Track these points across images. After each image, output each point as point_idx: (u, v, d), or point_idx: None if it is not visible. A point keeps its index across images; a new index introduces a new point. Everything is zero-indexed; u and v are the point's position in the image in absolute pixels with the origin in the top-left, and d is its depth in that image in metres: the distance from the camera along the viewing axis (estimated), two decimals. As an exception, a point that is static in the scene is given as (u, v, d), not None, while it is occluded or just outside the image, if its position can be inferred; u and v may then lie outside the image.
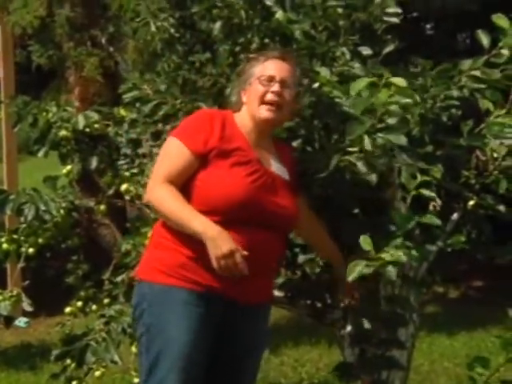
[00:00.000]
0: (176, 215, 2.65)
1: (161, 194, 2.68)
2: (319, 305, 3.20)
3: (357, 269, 2.56)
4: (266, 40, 2.97)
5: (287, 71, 2.79)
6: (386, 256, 2.57)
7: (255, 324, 2.82)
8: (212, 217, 2.64)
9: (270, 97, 2.75)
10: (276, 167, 2.82)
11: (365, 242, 2.59)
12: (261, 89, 2.77)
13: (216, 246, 2.57)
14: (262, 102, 2.76)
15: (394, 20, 3.09)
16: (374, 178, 2.77)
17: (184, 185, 2.71)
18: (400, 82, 2.72)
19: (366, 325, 2.97)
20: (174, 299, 2.66)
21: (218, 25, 3.00)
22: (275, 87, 2.76)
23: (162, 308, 2.66)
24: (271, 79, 2.76)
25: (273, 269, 2.85)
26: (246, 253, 2.59)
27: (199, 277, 2.65)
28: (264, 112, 2.76)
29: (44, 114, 3.72)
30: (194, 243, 2.63)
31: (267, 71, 2.78)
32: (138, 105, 3.44)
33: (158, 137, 3.37)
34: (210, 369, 2.72)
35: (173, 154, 2.73)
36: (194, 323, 2.64)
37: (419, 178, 2.83)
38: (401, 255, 2.58)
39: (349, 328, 3.07)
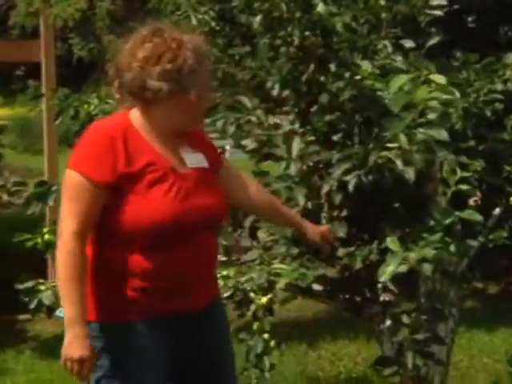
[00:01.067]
0: (62, 288, 2.46)
1: (65, 255, 2.45)
2: (358, 299, 3.19)
3: (389, 269, 2.55)
4: (307, 33, 2.96)
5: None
6: (414, 255, 2.55)
7: (215, 323, 2.71)
8: (140, 244, 2.49)
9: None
10: (191, 161, 2.62)
11: (392, 243, 2.58)
12: (205, 99, 2.58)
13: (70, 347, 2.42)
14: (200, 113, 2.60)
15: (438, 13, 3.06)
16: (411, 175, 2.73)
17: (101, 217, 2.50)
18: (439, 79, 2.70)
19: (405, 319, 2.95)
20: (125, 334, 2.54)
21: (258, 18, 3.00)
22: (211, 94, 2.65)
23: (117, 346, 2.53)
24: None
25: (212, 269, 2.72)
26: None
27: (146, 306, 2.52)
28: (199, 124, 2.63)
29: (85, 106, 3.76)
30: (139, 277, 2.51)
31: (210, 77, 2.59)
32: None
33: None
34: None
35: (77, 190, 2.48)
36: (152, 349, 2.54)
37: (459, 173, 2.81)
38: (429, 252, 2.55)
39: (388, 322, 3.06)
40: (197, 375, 2.66)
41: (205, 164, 2.65)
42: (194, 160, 2.62)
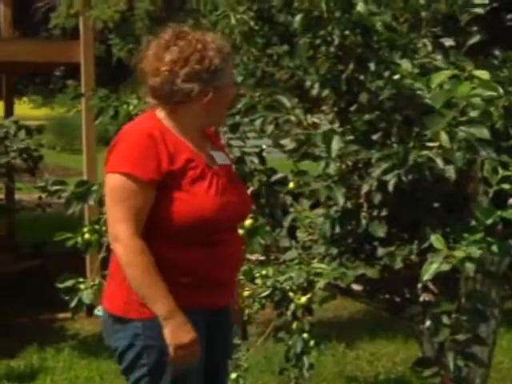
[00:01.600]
0: (144, 289, 2.51)
1: (132, 258, 2.50)
2: (398, 299, 3.17)
3: (432, 266, 2.53)
4: (347, 32, 2.94)
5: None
6: (459, 253, 2.53)
7: (230, 322, 2.79)
8: (182, 239, 2.56)
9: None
10: (219, 158, 2.70)
11: (437, 240, 2.56)
12: (230, 96, 2.66)
13: (177, 335, 2.49)
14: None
15: (480, 11, 3.03)
16: (452, 174, 2.71)
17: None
18: (483, 74, 2.66)
19: (446, 320, 2.93)
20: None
21: (298, 17, 2.99)
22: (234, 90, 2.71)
23: (161, 344, 2.53)
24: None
25: (239, 268, 2.82)
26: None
27: (180, 299, 2.53)
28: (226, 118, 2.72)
29: (125, 106, 3.78)
30: (180, 271, 2.56)
31: (233, 76, 2.66)
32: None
33: (237, 129, 3.38)
34: None
35: (128, 193, 2.52)
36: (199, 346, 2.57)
37: (501, 172, 2.78)
38: (474, 251, 2.53)
39: (428, 323, 3.04)
40: (201, 371, 2.69)
41: (228, 161, 2.76)
42: (221, 158, 2.72)
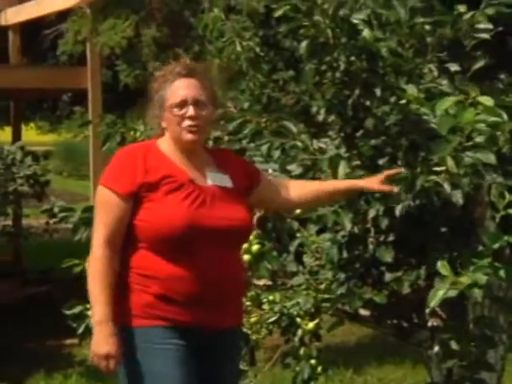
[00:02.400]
0: (90, 290, 2.65)
1: (93, 263, 2.66)
2: (405, 324, 3.16)
3: (439, 293, 2.52)
4: (352, 58, 2.96)
5: (198, 88, 2.72)
6: (465, 279, 2.53)
7: (228, 349, 2.78)
8: (160, 250, 2.66)
9: (187, 122, 2.70)
10: (213, 179, 2.76)
11: (443, 267, 2.55)
12: (176, 117, 2.72)
13: (97, 344, 2.60)
14: (182, 127, 2.72)
15: (485, 36, 3.04)
16: (459, 199, 2.71)
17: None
18: (487, 100, 2.67)
19: (454, 346, 2.91)
20: (152, 339, 2.66)
21: (304, 44, 3.00)
22: (190, 111, 2.70)
23: (144, 351, 2.65)
24: (183, 104, 2.70)
25: (239, 289, 2.80)
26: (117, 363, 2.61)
27: (168, 313, 2.65)
28: (186, 135, 2.72)
29: (131, 132, 3.80)
30: (157, 281, 2.65)
31: (177, 97, 2.71)
32: (222, 122, 3.47)
33: (243, 154, 3.39)
34: None
35: (105, 203, 2.71)
36: (178, 356, 2.65)
37: (508, 197, 2.77)
38: (480, 277, 2.52)
39: (436, 348, 3.03)
40: None
41: (228, 184, 2.79)
42: (217, 179, 2.78)
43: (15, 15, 9.12)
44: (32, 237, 8.39)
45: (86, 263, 2.72)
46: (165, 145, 2.78)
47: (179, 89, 2.72)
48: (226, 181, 2.79)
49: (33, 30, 10.06)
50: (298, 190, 2.90)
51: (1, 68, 9.18)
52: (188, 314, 2.66)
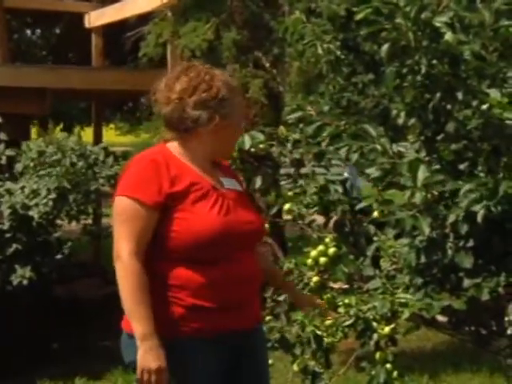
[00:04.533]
0: (129, 305, 2.60)
1: (127, 275, 2.60)
2: (484, 331, 3.11)
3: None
4: (434, 61, 2.93)
5: None
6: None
7: (259, 346, 2.88)
8: (191, 259, 2.65)
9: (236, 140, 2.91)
10: (228, 184, 2.83)
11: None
12: (236, 134, 2.85)
13: (146, 359, 2.55)
14: (234, 143, 2.88)
15: None
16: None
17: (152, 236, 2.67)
18: None
19: (534, 355, 2.86)
20: (183, 351, 2.65)
21: (385, 47, 2.99)
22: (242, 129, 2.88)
23: (175, 363, 2.61)
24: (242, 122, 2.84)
25: (258, 289, 2.86)
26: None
27: (201, 323, 2.65)
28: (234, 149, 2.92)
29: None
30: (189, 292, 2.65)
31: (242, 109, 2.82)
32: (301, 126, 3.47)
33: (321, 157, 3.39)
34: None
35: (132, 214, 2.65)
36: (211, 366, 2.68)
37: None
38: None
39: (515, 357, 2.97)
40: None
41: (239, 187, 2.89)
42: (231, 184, 2.85)
43: (98, 18, 9.32)
44: (111, 236, 8.54)
45: (119, 270, 2.64)
46: (178, 151, 2.78)
47: (241, 107, 2.83)
48: (236, 184, 2.88)
49: (115, 32, 10.26)
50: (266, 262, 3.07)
51: (83, 70, 9.39)
52: (221, 320, 2.68)
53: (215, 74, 2.78)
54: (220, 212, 2.70)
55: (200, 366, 2.67)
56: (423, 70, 2.95)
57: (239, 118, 2.83)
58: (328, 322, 3.17)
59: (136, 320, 2.59)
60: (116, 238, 2.70)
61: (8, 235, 6.49)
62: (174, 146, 2.81)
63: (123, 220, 2.67)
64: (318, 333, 3.13)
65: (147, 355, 2.55)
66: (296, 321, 3.17)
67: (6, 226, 6.45)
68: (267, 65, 6.96)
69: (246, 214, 2.79)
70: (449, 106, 3.00)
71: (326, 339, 3.21)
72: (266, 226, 3.55)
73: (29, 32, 16.31)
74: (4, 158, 6.90)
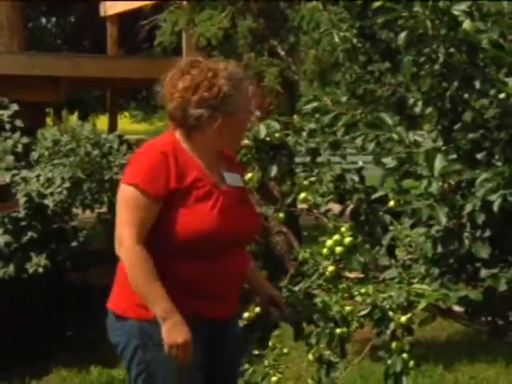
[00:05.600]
0: (144, 290, 2.68)
1: (135, 261, 2.70)
2: (500, 322, 3.09)
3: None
4: (452, 50, 2.90)
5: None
6: None
7: (235, 335, 2.99)
8: (184, 254, 2.73)
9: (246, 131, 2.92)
10: (229, 179, 2.89)
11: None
12: (247, 122, 2.89)
13: (172, 335, 2.64)
14: (243, 135, 2.93)
15: None
16: None
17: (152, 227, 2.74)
18: None
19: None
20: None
21: (402, 35, 2.96)
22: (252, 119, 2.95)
23: (156, 343, 2.71)
24: (252, 113, 2.91)
25: (241, 284, 2.98)
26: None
27: (179, 305, 2.70)
28: (242, 140, 2.94)
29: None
30: (179, 284, 2.73)
31: (251, 102, 2.84)
32: (317, 115, 3.46)
33: (337, 147, 3.38)
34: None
35: (138, 203, 2.72)
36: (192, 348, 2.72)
37: None
38: None
39: (532, 348, 2.96)
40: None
41: (240, 183, 2.95)
42: (233, 179, 2.91)
43: (113, 6, 9.32)
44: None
45: (125, 256, 2.74)
46: (184, 144, 2.83)
47: (251, 95, 2.84)
48: (238, 180, 2.95)
49: (130, 21, 10.26)
50: None
51: (98, 58, 9.40)
52: (205, 309, 2.79)
53: (219, 69, 2.80)
54: (219, 213, 2.77)
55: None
56: (441, 59, 2.92)
57: (246, 112, 2.87)
58: (348, 309, 3.17)
59: (153, 301, 2.66)
60: (119, 223, 2.78)
61: (23, 223, 6.52)
62: (180, 138, 2.87)
63: (128, 208, 2.74)
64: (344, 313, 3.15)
65: (173, 331, 2.64)
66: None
67: (21, 214, 6.48)
68: (283, 53, 6.93)
69: (243, 214, 2.87)
70: (466, 95, 2.98)
71: (340, 329, 3.21)
72: (281, 215, 3.56)
73: (44, 20, 16.34)
74: (20, 145, 6.92)
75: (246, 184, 3.05)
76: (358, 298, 3.12)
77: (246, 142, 3.63)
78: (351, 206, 3.36)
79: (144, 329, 2.76)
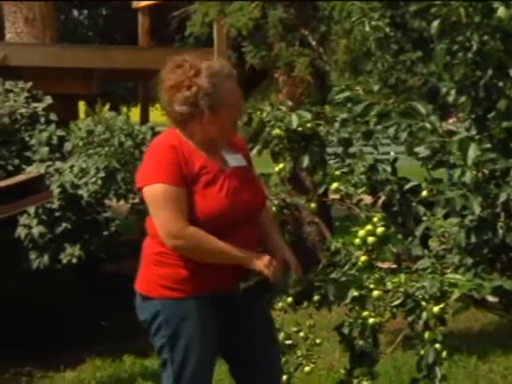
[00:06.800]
0: (217, 252, 2.96)
1: (197, 239, 2.96)
2: (535, 312, 3.07)
3: None
4: (486, 37, 2.87)
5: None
6: None
7: (251, 303, 3.13)
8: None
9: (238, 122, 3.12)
10: (232, 161, 3.10)
11: None
12: (235, 115, 3.06)
13: (255, 259, 3.01)
14: (234, 126, 3.10)
15: None
16: None
17: None
18: None
19: None
20: (185, 309, 3.00)
21: (435, 23, 2.94)
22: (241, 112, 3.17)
23: (177, 319, 3.00)
24: (239, 106, 3.09)
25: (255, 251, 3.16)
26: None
27: (200, 284, 3.00)
28: (234, 131, 3.12)
29: (258, 113, 3.82)
30: (184, 260, 2.98)
31: (236, 97, 3.04)
32: (349, 105, 3.44)
33: (369, 136, 3.36)
34: (235, 359, 3.20)
35: (169, 199, 2.94)
36: (207, 323, 3.02)
37: None
38: None
39: None
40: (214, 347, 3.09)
41: (244, 163, 3.15)
42: (235, 160, 3.12)
43: (145, -2, 9.33)
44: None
45: (186, 244, 2.96)
46: (185, 136, 3.04)
47: (234, 92, 3.04)
48: (241, 160, 3.15)
49: (161, 12, 10.27)
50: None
51: (130, 50, 9.42)
52: (216, 282, 3.01)
53: (201, 68, 3.01)
54: (227, 194, 2.99)
55: (198, 320, 3.01)
56: (474, 47, 2.90)
57: (231, 107, 3.03)
58: (376, 293, 3.16)
59: (234, 254, 2.98)
60: (161, 222, 2.97)
61: (57, 214, 6.57)
62: (179, 131, 3.07)
63: (162, 205, 2.94)
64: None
65: (255, 258, 3.01)
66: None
67: (55, 205, 6.53)
68: (314, 43, 6.89)
69: (249, 192, 3.08)
70: (500, 83, 2.95)
71: (373, 319, 3.20)
72: (312, 205, 3.55)
73: (76, 13, 16.43)
74: (55, 138, 6.96)
75: (248, 160, 3.24)
76: (390, 287, 3.11)
77: (277, 132, 3.64)
78: (383, 198, 3.34)
79: (166, 306, 3.01)
